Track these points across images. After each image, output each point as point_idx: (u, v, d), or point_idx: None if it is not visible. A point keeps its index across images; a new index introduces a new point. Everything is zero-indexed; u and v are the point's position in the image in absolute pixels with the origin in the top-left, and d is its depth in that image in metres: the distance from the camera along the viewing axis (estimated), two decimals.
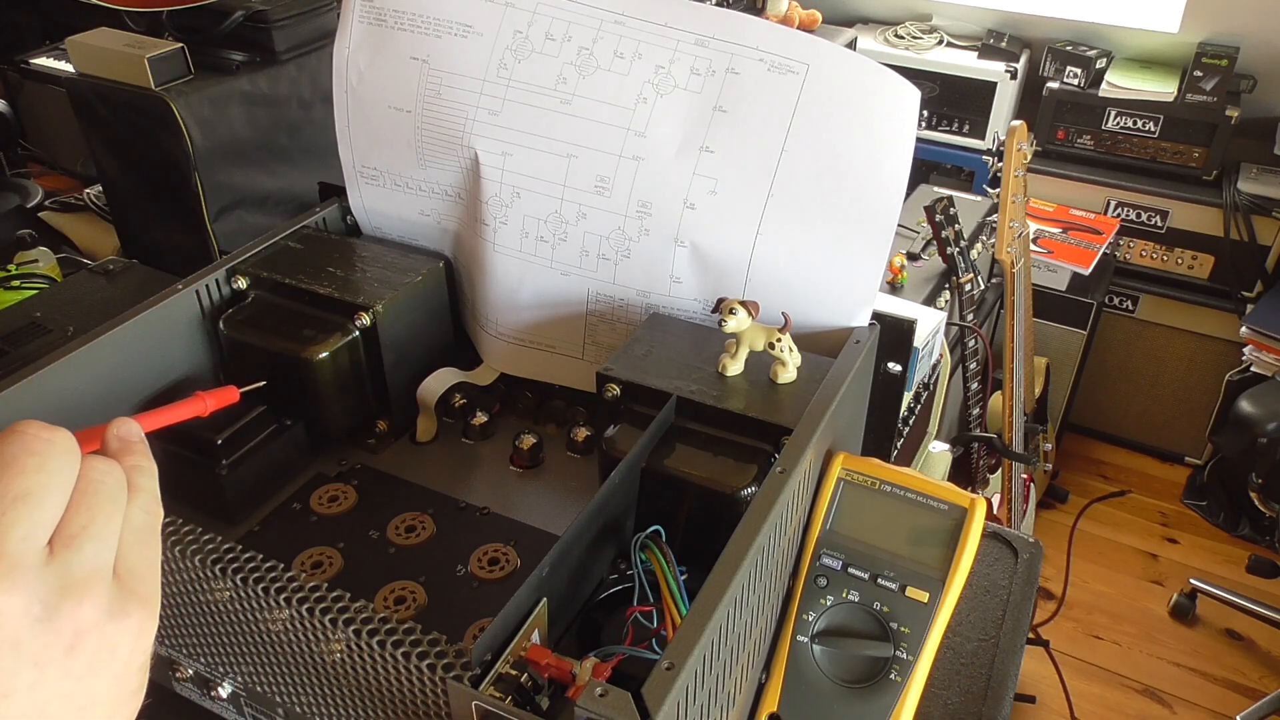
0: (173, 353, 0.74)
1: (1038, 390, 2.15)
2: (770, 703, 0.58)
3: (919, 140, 0.71)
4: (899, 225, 0.71)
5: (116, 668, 0.36)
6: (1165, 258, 2.25)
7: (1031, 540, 0.84)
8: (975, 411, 1.79)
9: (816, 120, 0.70)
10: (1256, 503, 1.91)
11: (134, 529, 0.38)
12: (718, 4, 1.93)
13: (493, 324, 0.83)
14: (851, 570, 0.59)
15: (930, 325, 0.99)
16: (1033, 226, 2.10)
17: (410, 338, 0.79)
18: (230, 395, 0.61)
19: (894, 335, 0.73)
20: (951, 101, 2.38)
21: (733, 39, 0.72)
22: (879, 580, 0.59)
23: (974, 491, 0.63)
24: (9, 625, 0.33)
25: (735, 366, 0.68)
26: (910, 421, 1.25)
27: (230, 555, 0.54)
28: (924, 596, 0.58)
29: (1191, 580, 2.14)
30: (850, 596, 0.59)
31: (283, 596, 0.52)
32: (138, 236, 1.52)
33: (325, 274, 0.78)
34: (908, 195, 0.87)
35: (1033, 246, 2.05)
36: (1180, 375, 2.36)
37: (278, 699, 0.59)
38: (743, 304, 0.66)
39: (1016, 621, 0.77)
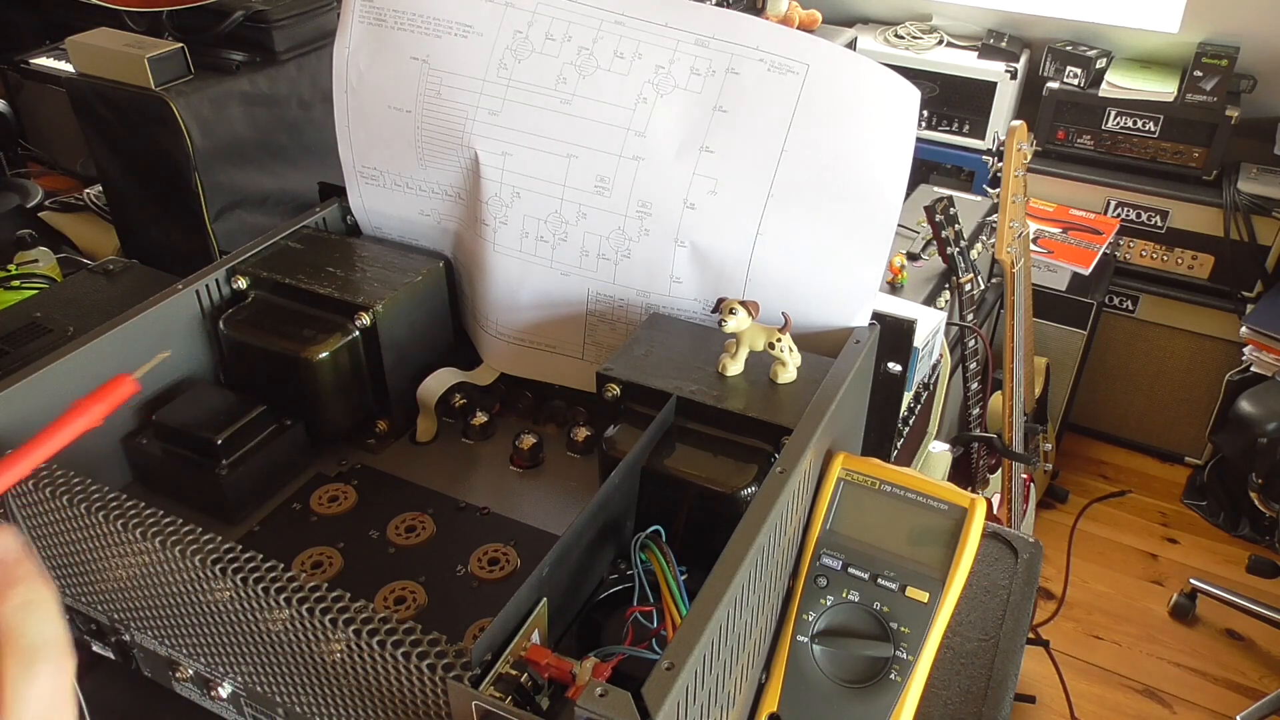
0: (173, 353, 0.74)
1: (1038, 390, 2.15)
2: (770, 703, 0.58)
3: (919, 140, 0.71)
4: (899, 225, 0.71)
5: None
6: (1165, 258, 2.25)
7: (1031, 540, 0.84)
8: (975, 411, 1.79)
9: (817, 120, 0.70)
10: (1256, 503, 1.91)
11: (38, 711, 0.29)
12: (718, 4, 1.93)
13: (493, 324, 0.83)
14: (851, 570, 0.59)
15: (930, 325, 0.99)
16: (1033, 226, 2.10)
17: (410, 338, 0.79)
18: (123, 390, 0.51)
19: (894, 335, 0.73)
20: (951, 101, 2.38)
21: (733, 39, 0.72)
22: (879, 580, 0.59)
23: (974, 491, 0.63)
24: None
25: (735, 366, 0.68)
26: (910, 421, 1.25)
27: (230, 555, 0.54)
28: (924, 596, 0.58)
29: (1191, 580, 2.14)
30: (850, 596, 0.59)
31: (283, 596, 0.52)
32: (138, 236, 1.52)
33: (325, 274, 0.78)
34: (908, 195, 0.87)
35: (1033, 246, 2.05)
36: (1180, 375, 2.36)
37: (278, 699, 0.59)
38: (743, 304, 0.66)
39: (1016, 621, 0.77)
